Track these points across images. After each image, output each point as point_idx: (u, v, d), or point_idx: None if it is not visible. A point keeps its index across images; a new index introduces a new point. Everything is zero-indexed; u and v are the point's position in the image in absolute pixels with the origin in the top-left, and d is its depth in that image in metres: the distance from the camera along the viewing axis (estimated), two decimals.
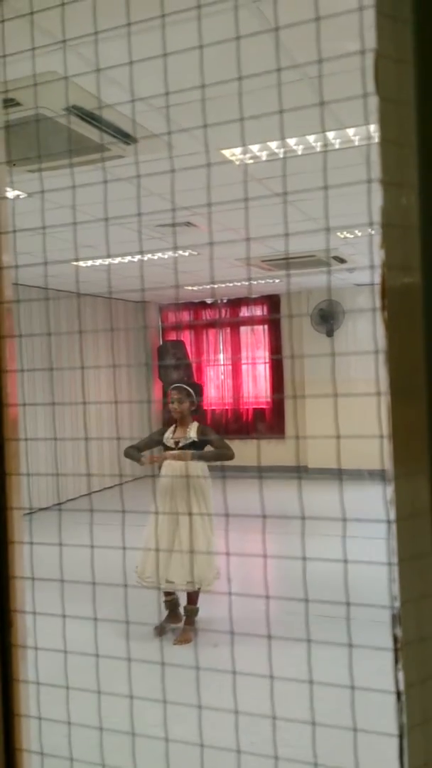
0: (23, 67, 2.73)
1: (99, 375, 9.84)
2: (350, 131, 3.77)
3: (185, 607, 4.52)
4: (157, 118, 3.43)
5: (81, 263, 7.33)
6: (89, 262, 7.32)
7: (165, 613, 4.59)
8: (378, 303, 0.82)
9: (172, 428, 4.64)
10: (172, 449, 4.53)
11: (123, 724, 1.38)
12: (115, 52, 2.31)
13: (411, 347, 0.78)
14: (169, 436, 4.58)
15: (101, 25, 2.02)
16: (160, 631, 4.44)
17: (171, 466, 4.51)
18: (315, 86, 3.08)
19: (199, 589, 4.38)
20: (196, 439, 4.50)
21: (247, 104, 3.02)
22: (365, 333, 9.94)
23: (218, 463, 4.47)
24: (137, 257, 7.23)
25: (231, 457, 4.42)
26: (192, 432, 4.53)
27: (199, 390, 4.75)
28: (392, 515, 0.83)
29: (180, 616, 4.57)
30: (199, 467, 4.50)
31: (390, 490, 0.82)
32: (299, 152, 4.09)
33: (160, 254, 7.16)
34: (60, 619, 1.44)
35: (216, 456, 4.46)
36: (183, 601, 4.59)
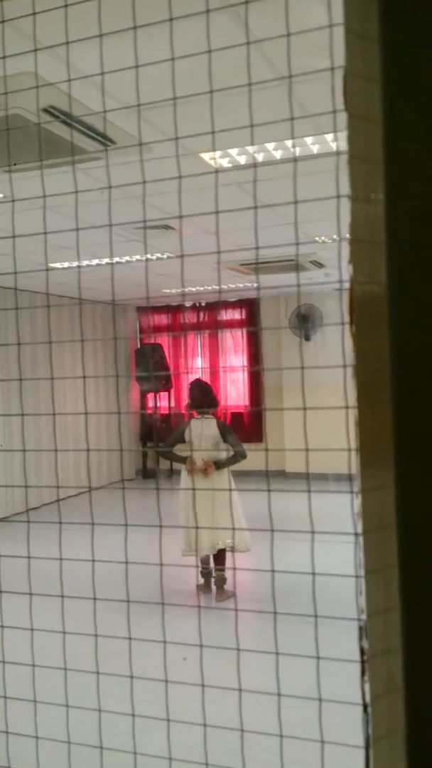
0: None
1: (77, 379, 9.78)
2: (329, 137, 3.80)
3: (217, 574, 5.27)
4: (134, 121, 3.42)
5: (57, 265, 7.29)
6: (65, 264, 7.28)
7: (200, 580, 5.36)
8: (346, 317, 0.83)
9: (194, 424, 5.29)
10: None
11: (91, 736, 1.37)
12: (90, 53, 2.30)
13: (378, 361, 0.78)
14: (193, 433, 5.23)
15: (79, 27, 2.02)
16: (203, 588, 5.31)
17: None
18: (293, 91, 3.09)
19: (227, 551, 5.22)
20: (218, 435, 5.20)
21: (225, 106, 3.02)
22: (343, 337, 9.99)
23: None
24: (115, 259, 7.20)
25: (244, 457, 5.22)
26: (212, 429, 5.22)
27: (211, 390, 5.61)
28: (359, 528, 0.84)
29: (211, 584, 5.32)
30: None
31: (357, 502, 0.83)
32: (278, 156, 4.10)
33: (137, 256, 7.14)
34: (30, 624, 1.43)
35: (233, 460, 5.20)
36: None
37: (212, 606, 4.91)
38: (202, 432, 5.20)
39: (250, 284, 9.26)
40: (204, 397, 5.37)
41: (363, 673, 0.84)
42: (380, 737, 0.84)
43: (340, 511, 2.49)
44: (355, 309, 0.81)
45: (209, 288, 9.54)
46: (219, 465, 5.13)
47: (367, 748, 0.85)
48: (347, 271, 0.82)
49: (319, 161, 4.12)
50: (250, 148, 4.01)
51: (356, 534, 0.84)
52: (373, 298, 0.79)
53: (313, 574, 1.04)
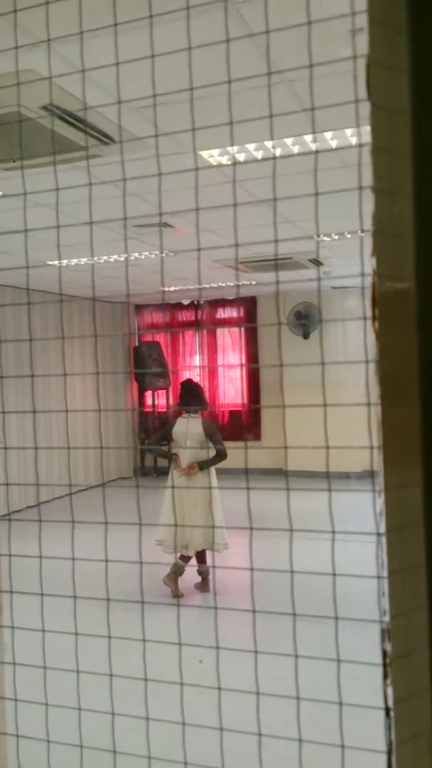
0: (0, 65, 2.69)
1: (74, 377, 9.76)
2: (328, 134, 3.77)
3: (199, 568, 5.36)
4: (135, 119, 3.40)
5: (56, 263, 7.26)
6: (64, 262, 7.25)
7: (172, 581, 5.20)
8: (368, 311, 0.81)
9: (180, 422, 5.36)
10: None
11: (104, 738, 1.35)
12: (93, 51, 2.28)
13: (403, 356, 0.77)
14: (179, 432, 5.31)
15: (80, 25, 2.00)
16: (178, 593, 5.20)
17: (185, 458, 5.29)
18: (294, 89, 3.07)
19: (208, 550, 5.28)
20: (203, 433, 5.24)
21: (226, 106, 3.00)
22: (342, 335, 10.00)
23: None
24: (113, 257, 7.18)
25: (225, 457, 5.18)
26: (198, 428, 5.26)
27: (201, 390, 5.63)
28: (382, 527, 0.82)
29: (178, 590, 5.23)
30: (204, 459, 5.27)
31: (380, 501, 0.81)
32: (277, 155, 4.08)
33: (136, 254, 7.12)
34: (40, 624, 1.41)
35: (216, 460, 5.22)
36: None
37: (227, 607, 4.87)
38: (188, 431, 5.27)
39: (248, 282, 9.24)
40: (192, 397, 5.43)
41: (385, 676, 0.83)
42: (403, 741, 0.83)
43: (350, 508, 2.47)
44: (378, 303, 0.79)
45: (208, 286, 9.52)
46: (202, 465, 5.20)
47: (389, 752, 0.83)
48: (370, 264, 0.80)
49: (319, 161, 4.10)
50: (250, 146, 3.99)
51: (378, 534, 0.82)
52: (398, 292, 0.78)
53: (334, 575, 1.02)
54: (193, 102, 3.13)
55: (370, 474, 9.04)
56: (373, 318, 0.80)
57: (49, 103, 3.20)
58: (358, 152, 0.84)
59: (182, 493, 5.23)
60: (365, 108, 0.82)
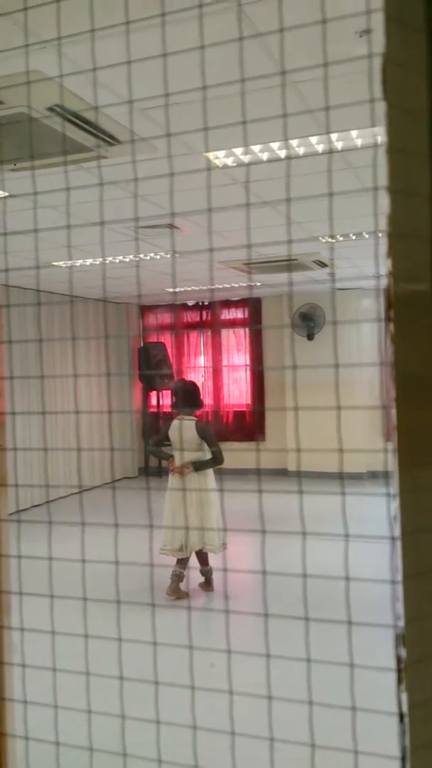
0: (5, 66, 2.69)
1: (79, 377, 9.76)
2: (333, 136, 3.76)
3: (201, 570, 5.31)
4: (140, 120, 3.40)
5: (60, 263, 7.27)
6: (69, 263, 7.26)
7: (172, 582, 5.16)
8: (373, 314, 0.80)
9: (174, 424, 5.28)
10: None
11: (111, 741, 1.34)
12: (98, 53, 2.28)
13: (419, 359, 0.76)
14: (174, 434, 5.25)
15: (85, 26, 2.00)
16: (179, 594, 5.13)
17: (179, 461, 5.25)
18: (299, 90, 3.06)
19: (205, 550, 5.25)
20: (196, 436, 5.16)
21: (232, 107, 3.00)
22: (345, 337, 9.99)
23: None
24: (118, 258, 7.18)
25: (221, 462, 5.16)
26: (191, 431, 5.16)
27: (196, 390, 5.47)
28: (396, 531, 0.81)
29: (181, 591, 5.18)
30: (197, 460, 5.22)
31: (394, 505, 0.80)
32: (282, 156, 4.07)
33: (141, 255, 7.12)
34: (49, 625, 1.40)
35: (211, 463, 5.17)
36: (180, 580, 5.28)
37: (234, 610, 4.85)
38: (181, 433, 5.19)
39: (253, 283, 9.23)
40: (187, 397, 5.31)
41: (400, 682, 0.82)
42: (418, 747, 0.82)
43: (351, 507, 2.44)
44: (394, 305, 0.78)
45: (212, 287, 9.52)
46: (196, 466, 5.14)
47: (403, 758, 0.83)
48: (384, 266, 0.79)
49: (320, 161, 4.09)
50: (255, 147, 3.98)
51: (393, 538, 0.81)
52: (413, 293, 0.77)
53: (347, 579, 1.01)
54: (199, 104, 3.13)
55: (372, 475, 9.03)
56: (388, 320, 0.79)
57: (55, 104, 3.20)
58: (374, 153, 0.83)
59: (177, 495, 5.20)
60: (376, 109, 0.81)
